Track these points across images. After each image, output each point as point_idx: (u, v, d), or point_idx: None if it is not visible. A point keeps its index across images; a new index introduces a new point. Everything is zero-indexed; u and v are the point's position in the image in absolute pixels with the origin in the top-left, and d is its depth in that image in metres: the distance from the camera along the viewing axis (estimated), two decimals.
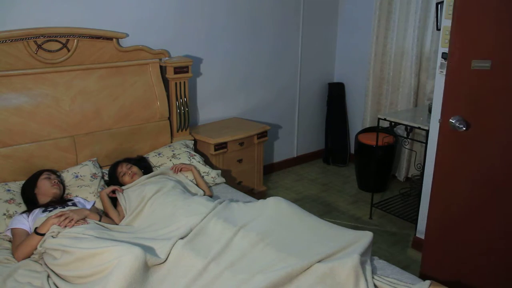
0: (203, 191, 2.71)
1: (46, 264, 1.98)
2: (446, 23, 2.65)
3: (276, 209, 2.26)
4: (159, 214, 2.31)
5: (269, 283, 1.72)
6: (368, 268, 1.87)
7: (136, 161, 2.80)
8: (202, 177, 2.86)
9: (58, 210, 2.21)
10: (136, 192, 2.46)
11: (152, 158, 2.98)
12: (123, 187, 2.56)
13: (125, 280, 1.72)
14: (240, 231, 2.05)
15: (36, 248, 2.04)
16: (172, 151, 3.03)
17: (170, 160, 2.95)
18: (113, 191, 2.52)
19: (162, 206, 2.35)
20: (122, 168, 2.65)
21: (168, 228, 2.17)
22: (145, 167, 2.79)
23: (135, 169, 2.67)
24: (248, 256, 1.91)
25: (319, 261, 1.83)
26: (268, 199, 2.35)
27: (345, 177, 4.33)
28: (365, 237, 2.00)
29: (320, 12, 4.36)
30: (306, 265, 1.81)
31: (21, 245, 2.06)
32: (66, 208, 2.25)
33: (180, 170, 2.84)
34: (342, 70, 4.64)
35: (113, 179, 2.66)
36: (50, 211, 2.23)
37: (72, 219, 2.08)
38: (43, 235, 2.04)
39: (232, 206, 2.35)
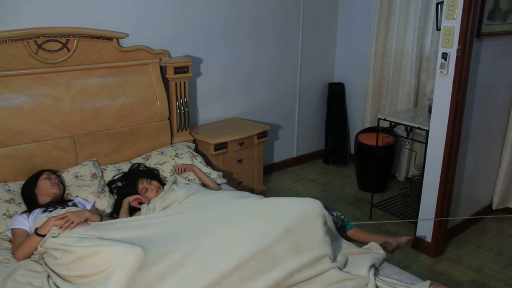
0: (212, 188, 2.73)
1: (46, 264, 1.98)
2: (446, 23, 2.65)
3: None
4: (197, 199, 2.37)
5: (271, 283, 1.76)
6: (372, 270, 1.89)
7: (151, 175, 2.73)
8: (205, 173, 2.87)
9: (59, 210, 2.22)
10: (170, 196, 2.44)
11: (155, 157, 2.98)
12: (151, 200, 2.50)
13: (127, 279, 1.72)
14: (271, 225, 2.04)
15: (36, 249, 2.04)
16: (175, 150, 3.04)
17: (173, 159, 2.96)
18: (139, 202, 2.46)
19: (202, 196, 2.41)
20: (143, 184, 2.57)
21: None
22: (160, 180, 2.74)
23: (156, 183, 2.60)
24: (268, 250, 1.91)
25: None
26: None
27: (345, 177, 4.33)
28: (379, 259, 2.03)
29: (320, 12, 4.36)
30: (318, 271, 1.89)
31: (21, 246, 2.06)
32: (67, 209, 2.25)
33: (184, 170, 2.84)
34: (342, 70, 4.64)
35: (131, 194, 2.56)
36: (51, 211, 2.22)
37: (73, 222, 2.08)
38: (43, 236, 2.04)
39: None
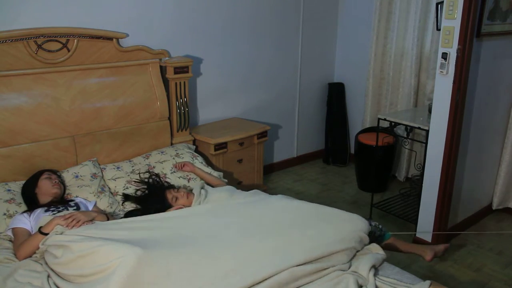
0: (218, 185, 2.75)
1: (46, 264, 1.98)
2: (446, 23, 2.65)
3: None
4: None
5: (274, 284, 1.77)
6: (372, 270, 1.89)
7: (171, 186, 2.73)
8: (207, 172, 2.89)
9: (63, 210, 2.24)
10: (212, 196, 2.47)
11: (155, 156, 2.98)
12: (192, 206, 2.48)
13: (128, 279, 1.73)
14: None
15: (38, 247, 2.05)
16: (176, 151, 3.05)
17: (173, 158, 2.96)
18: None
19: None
20: (171, 193, 2.53)
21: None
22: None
23: (183, 189, 2.59)
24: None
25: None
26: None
27: (345, 177, 4.33)
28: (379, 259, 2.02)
29: (320, 12, 4.36)
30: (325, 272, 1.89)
31: (23, 244, 2.07)
32: (70, 209, 2.27)
33: (183, 166, 2.85)
34: (342, 70, 4.64)
35: (165, 208, 2.49)
36: (53, 210, 2.24)
37: (79, 220, 2.09)
38: (47, 234, 2.05)
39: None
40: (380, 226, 2.37)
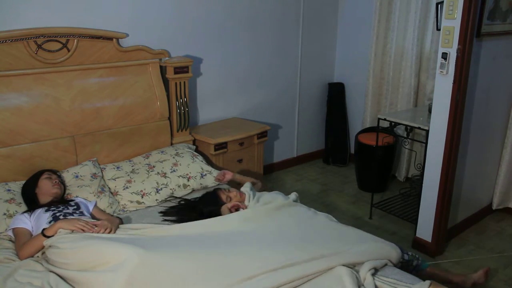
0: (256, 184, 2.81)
1: (47, 262, 2.00)
2: (446, 23, 2.65)
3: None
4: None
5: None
6: (371, 271, 1.89)
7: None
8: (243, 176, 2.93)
9: (63, 210, 2.26)
10: (265, 197, 2.50)
11: (155, 155, 2.98)
12: (249, 205, 2.50)
13: (131, 277, 1.76)
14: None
15: (41, 247, 2.07)
16: (176, 150, 3.05)
17: (173, 157, 2.96)
18: (236, 209, 2.47)
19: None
20: (225, 194, 2.54)
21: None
22: None
23: (233, 189, 2.61)
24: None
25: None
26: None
27: (345, 177, 4.33)
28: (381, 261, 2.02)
29: (320, 12, 4.36)
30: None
31: (26, 245, 2.08)
32: (71, 209, 2.29)
33: (224, 176, 2.85)
34: (342, 70, 4.64)
35: (216, 210, 2.50)
36: (53, 210, 2.25)
37: (111, 230, 2.15)
38: (49, 237, 2.06)
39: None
40: (417, 256, 2.37)
